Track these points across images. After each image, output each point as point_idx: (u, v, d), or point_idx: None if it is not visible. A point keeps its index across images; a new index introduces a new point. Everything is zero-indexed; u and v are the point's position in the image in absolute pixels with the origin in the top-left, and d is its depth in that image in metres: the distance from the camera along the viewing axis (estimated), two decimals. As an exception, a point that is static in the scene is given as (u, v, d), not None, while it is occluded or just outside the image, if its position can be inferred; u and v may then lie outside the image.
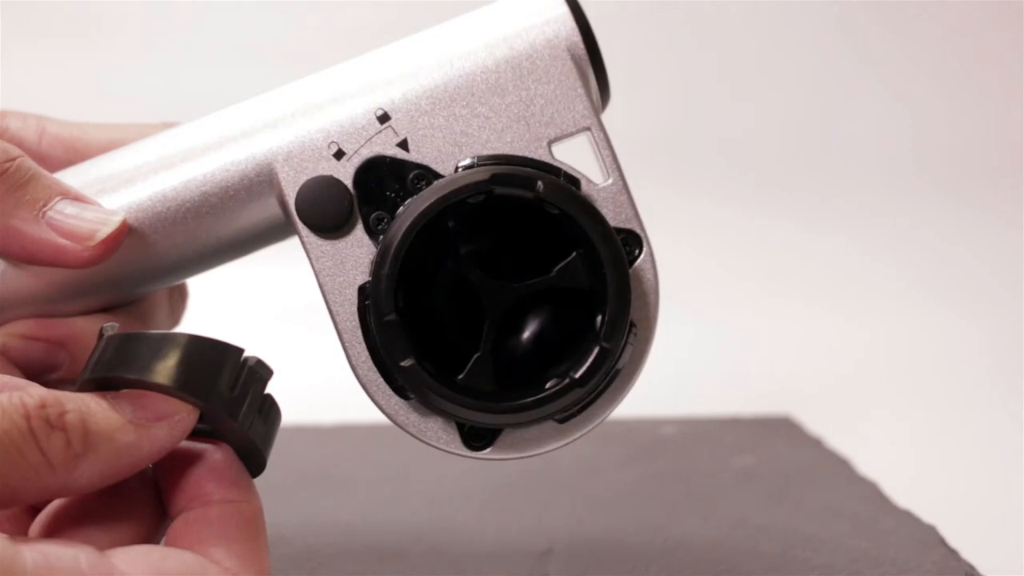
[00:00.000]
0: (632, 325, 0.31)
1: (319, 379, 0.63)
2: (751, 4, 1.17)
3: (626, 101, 1.25)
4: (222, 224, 0.34)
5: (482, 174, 0.31)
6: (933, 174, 1.12)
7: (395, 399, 0.32)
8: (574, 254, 0.31)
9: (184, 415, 0.25)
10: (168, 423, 0.25)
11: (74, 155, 0.36)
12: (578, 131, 0.33)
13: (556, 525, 0.41)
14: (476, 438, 0.32)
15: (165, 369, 0.25)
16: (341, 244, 0.32)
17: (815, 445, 0.55)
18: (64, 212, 0.31)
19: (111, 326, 0.27)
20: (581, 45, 0.34)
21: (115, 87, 1.01)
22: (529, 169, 0.31)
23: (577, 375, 0.30)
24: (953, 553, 0.37)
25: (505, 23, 0.34)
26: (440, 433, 0.32)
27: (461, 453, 0.32)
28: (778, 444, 0.55)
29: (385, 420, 0.33)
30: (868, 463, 0.49)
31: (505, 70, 0.33)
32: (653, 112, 1.16)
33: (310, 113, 0.33)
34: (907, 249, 1.06)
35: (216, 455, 0.27)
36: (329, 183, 0.32)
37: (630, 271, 0.31)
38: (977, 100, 1.17)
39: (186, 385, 0.25)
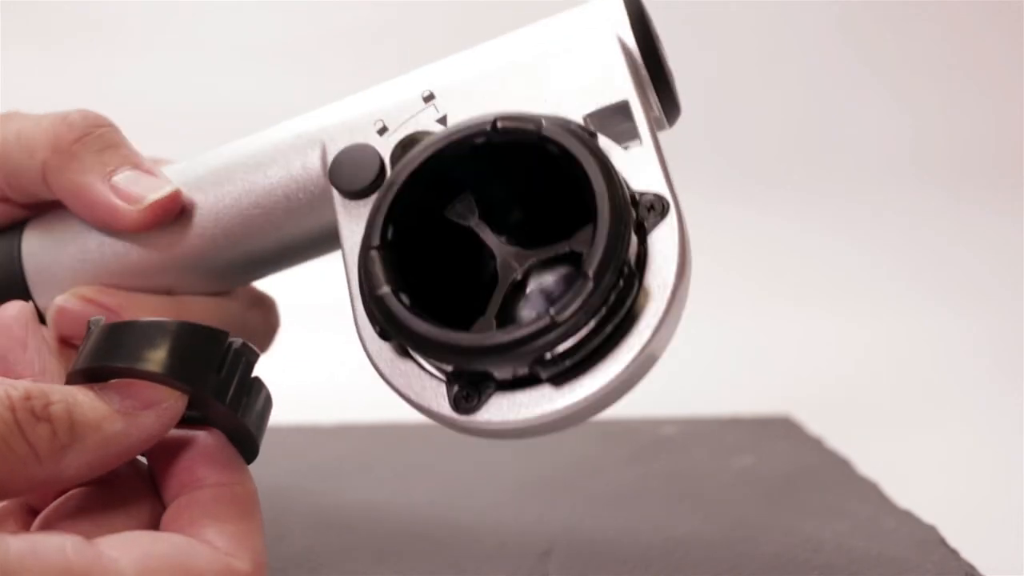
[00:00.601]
0: (635, 275, 0.28)
1: (319, 379, 0.63)
2: (751, 3, 1.17)
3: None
4: (276, 209, 0.35)
5: (488, 118, 0.30)
6: (933, 174, 1.12)
7: (387, 352, 0.30)
8: (591, 224, 0.28)
9: (172, 402, 0.25)
10: (156, 410, 0.25)
11: None
12: (615, 102, 0.31)
13: (556, 525, 0.41)
14: (465, 399, 0.29)
15: (152, 356, 0.25)
16: (364, 206, 0.32)
17: (815, 445, 0.55)
18: (127, 177, 0.33)
19: (97, 319, 0.27)
20: (632, 38, 0.33)
21: (115, 87, 1.01)
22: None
23: (555, 312, 0.27)
24: (953, 553, 0.37)
25: (558, 19, 0.34)
26: (430, 393, 0.30)
27: (451, 416, 0.29)
28: (778, 444, 0.55)
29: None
30: (868, 463, 0.49)
31: (548, 51, 0.33)
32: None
33: (362, 99, 0.35)
34: (908, 249, 1.06)
35: (207, 440, 0.27)
36: (363, 149, 0.33)
37: (650, 234, 0.29)
38: (978, 100, 1.17)
39: (173, 371, 0.25)
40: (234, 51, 1.08)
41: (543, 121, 0.29)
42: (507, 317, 0.29)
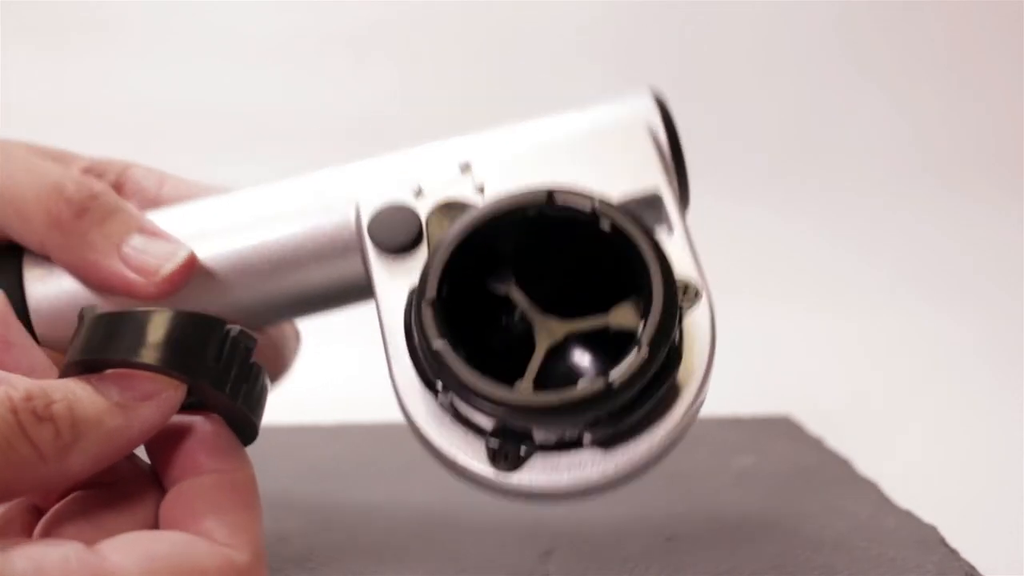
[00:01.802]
0: (679, 351, 0.31)
1: (319, 379, 0.63)
2: (751, 3, 1.17)
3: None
4: (301, 260, 0.35)
5: (543, 190, 0.31)
6: (934, 174, 1.12)
7: (426, 406, 0.31)
8: (631, 297, 0.30)
9: (171, 392, 0.25)
10: (155, 401, 0.25)
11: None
12: (647, 193, 0.34)
13: (556, 525, 0.41)
14: (505, 457, 0.30)
15: (148, 347, 0.25)
16: (403, 261, 0.33)
17: (815, 445, 0.55)
18: (135, 247, 0.32)
19: (91, 307, 0.27)
20: (663, 130, 0.36)
21: (115, 87, 1.01)
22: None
23: (612, 378, 0.28)
24: (953, 553, 0.37)
25: (595, 108, 0.37)
26: (468, 449, 0.31)
27: (488, 474, 0.30)
28: (778, 444, 0.55)
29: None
30: (868, 463, 0.49)
31: (584, 135, 0.35)
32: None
33: (395, 160, 0.36)
34: (908, 249, 1.06)
35: (206, 426, 0.27)
36: (402, 209, 0.34)
37: (686, 317, 0.31)
38: (978, 100, 1.17)
39: (170, 361, 0.25)
40: (234, 51, 1.08)
41: (597, 198, 0.31)
42: (544, 381, 0.30)
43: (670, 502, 0.44)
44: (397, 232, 0.34)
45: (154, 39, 1.07)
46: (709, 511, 0.43)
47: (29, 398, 0.23)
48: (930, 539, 0.39)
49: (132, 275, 0.31)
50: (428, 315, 0.30)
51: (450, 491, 0.47)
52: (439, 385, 0.30)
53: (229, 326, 0.26)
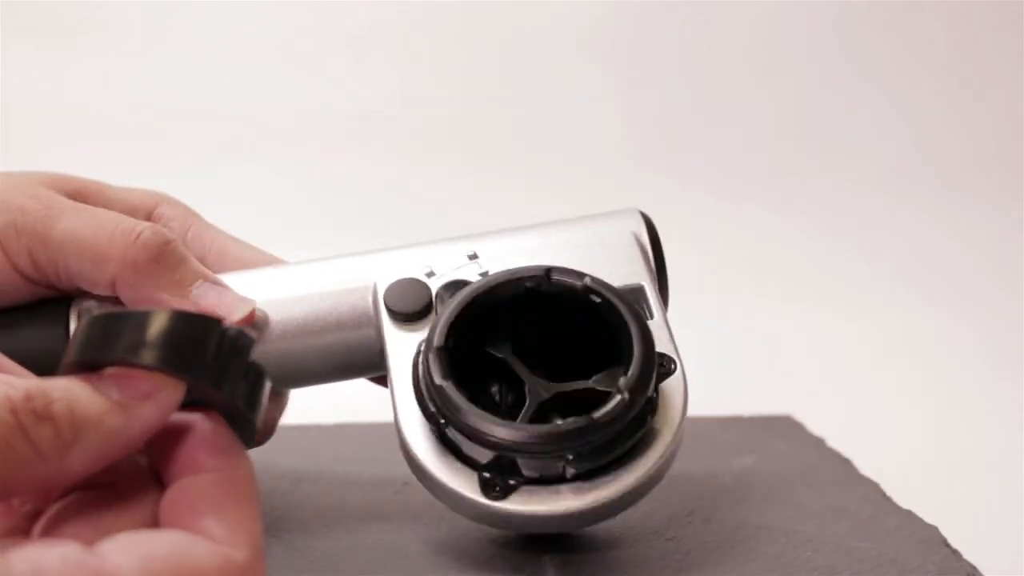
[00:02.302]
0: (654, 404, 0.36)
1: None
2: (751, 4, 1.17)
3: (630, 102, 1.27)
4: (327, 330, 0.40)
5: (542, 266, 0.37)
6: (934, 175, 1.13)
7: (427, 441, 0.36)
8: (614, 367, 0.35)
9: (170, 391, 0.25)
10: (155, 401, 0.25)
11: (208, 258, 0.41)
12: (632, 285, 0.39)
13: (557, 525, 0.41)
14: (495, 487, 0.34)
15: (147, 346, 0.25)
16: (413, 327, 0.39)
17: (817, 445, 0.55)
18: (206, 292, 0.37)
19: (88, 307, 0.27)
20: (648, 240, 0.41)
21: (115, 87, 1.01)
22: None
23: (596, 415, 0.33)
24: (955, 554, 0.37)
25: (591, 219, 0.43)
26: (462, 478, 0.35)
27: (479, 501, 0.34)
28: (779, 444, 0.55)
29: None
30: (870, 463, 0.49)
31: (580, 238, 0.41)
32: (656, 113, 1.16)
33: (411, 251, 0.41)
34: (908, 249, 1.06)
35: (205, 424, 0.27)
36: (414, 283, 0.39)
37: (664, 382, 0.36)
38: (978, 100, 1.17)
39: (169, 360, 0.25)
40: (234, 51, 1.08)
41: (589, 277, 0.37)
42: None
43: (671, 502, 0.44)
44: (409, 301, 0.39)
45: (154, 39, 1.07)
46: (710, 511, 0.43)
47: (29, 398, 0.23)
48: (931, 539, 0.39)
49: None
50: (435, 359, 0.35)
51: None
52: (441, 420, 0.35)
53: (227, 325, 0.26)
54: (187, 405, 0.27)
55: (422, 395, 0.35)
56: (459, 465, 0.35)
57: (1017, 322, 0.87)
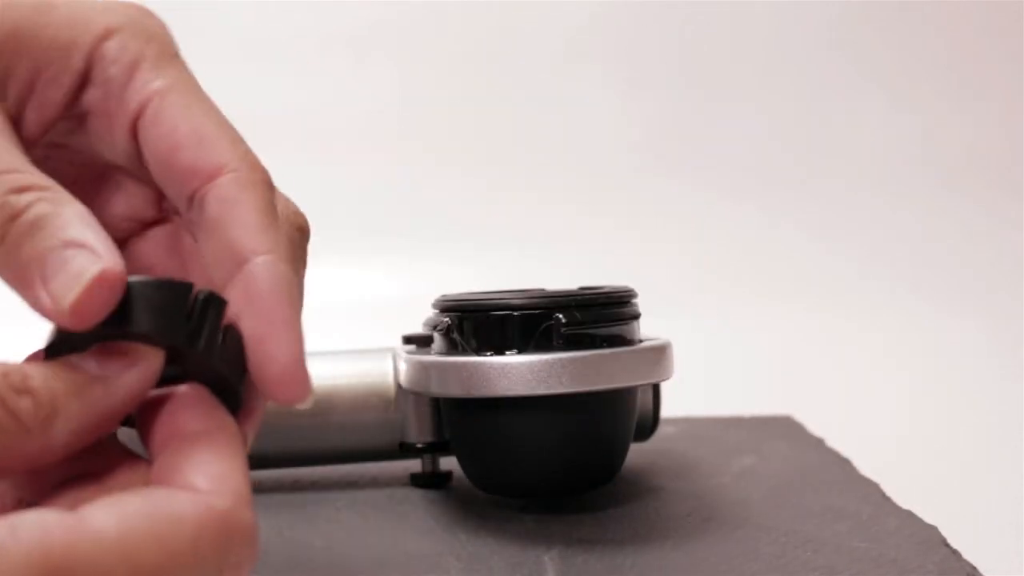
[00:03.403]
0: None
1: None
2: (751, 4, 1.17)
3: (631, 103, 1.27)
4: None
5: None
6: (934, 176, 1.13)
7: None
8: None
9: (149, 359, 0.25)
10: (134, 370, 0.25)
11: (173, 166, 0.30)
12: None
13: (556, 526, 0.41)
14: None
15: (120, 318, 0.25)
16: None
17: (817, 445, 0.55)
18: (53, 268, 0.26)
19: None
20: None
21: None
22: None
23: None
24: (955, 554, 0.37)
25: None
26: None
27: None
28: (779, 444, 0.55)
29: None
30: (870, 463, 0.49)
31: None
32: (657, 114, 1.16)
33: None
34: (908, 250, 1.06)
35: (188, 392, 0.27)
36: None
37: None
38: (979, 101, 1.17)
39: (143, 329, 0.25)
40: (234, 52, 1.08)
41: None
42: None
43: (671, 503, 0.44)
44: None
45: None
46: (710, 511, 0.43)
47: (5, 375, 0.23)
48: (931, 540, 0.39)
49: (48, 305, 0.25)
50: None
51: (450, 490, 0.47)
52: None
53: (198, 289, 0.26)
54: (169, 380, 0.27)
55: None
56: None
57: (1017, 322, 0.87)
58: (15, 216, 0.26)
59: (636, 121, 1.15)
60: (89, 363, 0.25)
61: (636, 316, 0.43)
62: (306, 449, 0.47)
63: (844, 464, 0.50)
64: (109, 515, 0.22)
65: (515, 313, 0.40)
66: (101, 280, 0.25)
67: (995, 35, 1.16)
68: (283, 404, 0.27)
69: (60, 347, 0.26)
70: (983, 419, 0.65)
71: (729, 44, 1.17)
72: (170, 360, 0.26)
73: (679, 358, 0.42)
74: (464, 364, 0.40)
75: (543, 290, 0.42)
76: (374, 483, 0.49)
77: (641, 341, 0.42)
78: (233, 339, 0.27)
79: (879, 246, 1.06)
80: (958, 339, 0.85)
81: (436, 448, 0.48)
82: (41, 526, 0.21)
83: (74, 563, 0.21)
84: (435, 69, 1.13)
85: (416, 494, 0.47)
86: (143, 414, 0.27)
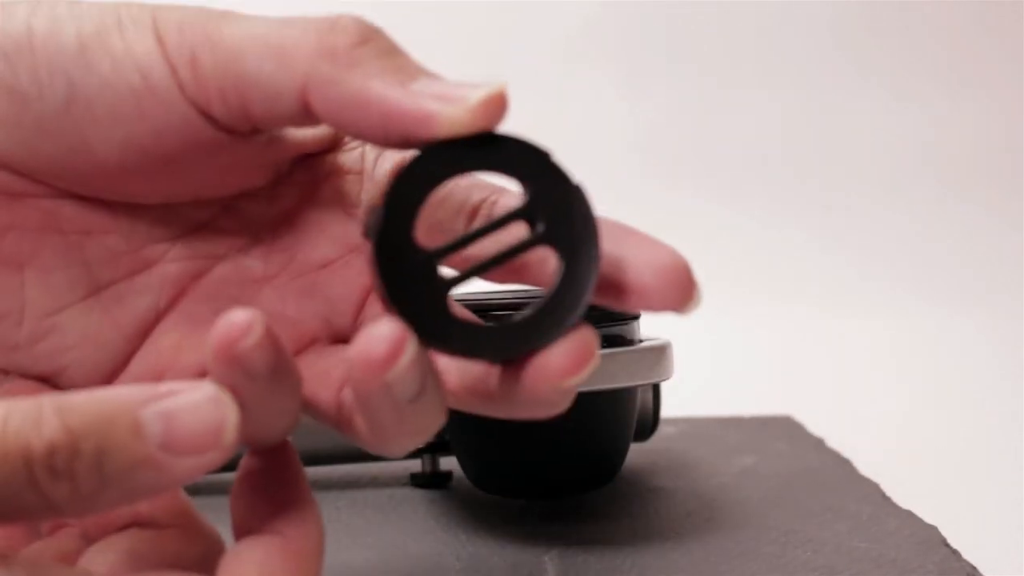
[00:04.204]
0: None
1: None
2: (751, 4, 1.17)
3: (631, 103, 1.27)
4: None
5: None
6: (934, 175, 1.12)
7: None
8: None
9: (215, 454, 0.21)
10: (195, 458, 0.21)
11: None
12: None
13: (556, 527, 0.41)
14: None
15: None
16: None
17: (816, 445, 0.55)
18: (426, 83, 0.25)
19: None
20: None
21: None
22: None
23: None
24: (955, 554, 0.37)
25: None
26: None
27: None
28: (779, 444, 0.55)
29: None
30: (869, 463, 0.49)
31: None
32: (657, 114, 1.16)
33: None
34: (908, 250, 1.06)
35: (283, 473, 0.25)
36: None
37: None
38: (979, 100, 1.17)
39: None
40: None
41: None
42: None
43: (670, 502, 0.44)
44: None
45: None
46: (710, 511, 0.43)
47: (52, 452, 0.20)
48: (931, 539, 0.39)
49: (432, 104, 0.24)
50: None
51: (450, 490, 0.47)
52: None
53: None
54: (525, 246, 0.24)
55: None
56: None
57: (1017, 322, 0.87)
58: (376, 31, 0.26)
59: (635, 121, 1.15)
60: (155, 425, 0.21)
61: (636, 316, 0.43)
62: (306, 449, 0.47)
63: (844, 464, 0.50)
64: None
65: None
66: (505, 94, 0.25)
67: (997, 34, 1.17)
68: (668, 308, 0.25)
69: (427, 164, 0.23)
70: (983, 419, 0.65)
71: (729, 43, 1.17)
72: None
73: (679, 358, 0.42)
74: None
75: (543, 290, 0.42)
76: (374, 483, 0.49)
77: (641, 341, 0.42)
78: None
79: (879, 246, 1.06)
80: (958, 339, 0.85)
81: (436, 448, 0.48)
82: None
83: None
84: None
85: (416, 494, 0.47)
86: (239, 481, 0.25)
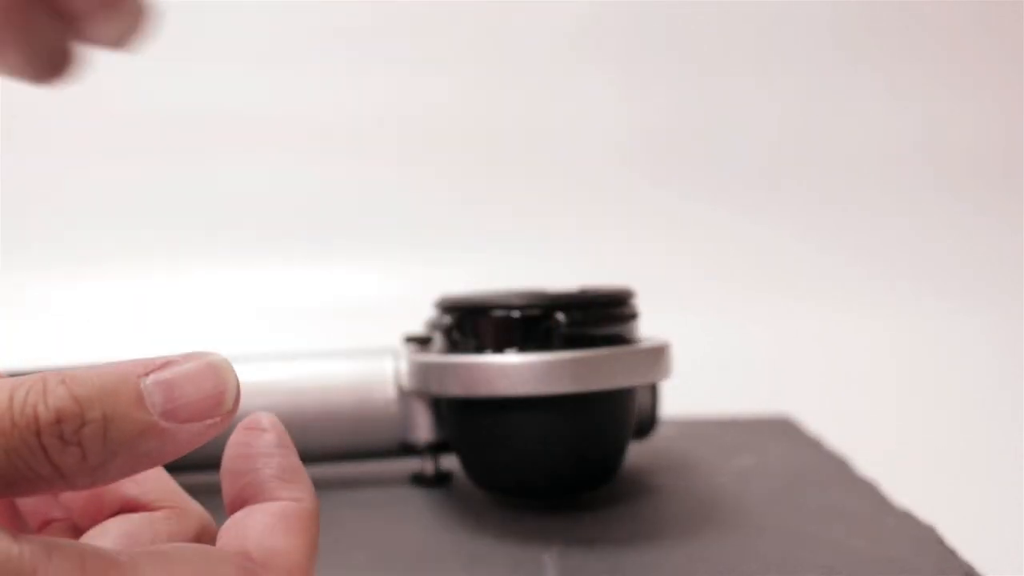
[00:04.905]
0: None
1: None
2: (750, 3, 1.17)
3: (630, 103, 1.26)
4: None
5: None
6: (934, 174, 1.13)
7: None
8: None
9: (218, 421, 0.23)
10: (198, 426, 0.22)
11: None
12: None
13: (556, 526, 0.41)
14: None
15: None
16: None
17: (814, 445, 0.55)
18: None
19: None
20: None
21: (114, 88, 1.01)
22: None
23: None
24: (952, 552, 0.38)
25: None
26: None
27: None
28: (777, 444, 0.55)
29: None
30: (867, 463, 0.50)
31: None
32: (656, 113, 1.16)
33: None
34: (907, 250, 1.06)
35: (273, 445, 0.26)
36: None
37: None
38: (979, 100, 1.17)
39: None
40: (233, 53, 1.08)
41: None
42: None
43: (670, 503, 0.45)
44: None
45: (154, 41, 1.07)
46: (709, 511, 0.43)
47: (59, 420, 0.21)
48: (928, 539, 0.39)
49: None
50: None
51: (451, 492, 0.47)
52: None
53: None
54: None
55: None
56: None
57: (1016, 322, 0.88)
58: None
59: (634, 121, 1.15)
60: (155, 398, 0.22)
61: (635, 316, 0.43)
62: (306, 448, 0.47)
63: (842, 464, 0.51)
64: (147, 561, 0.21)
65: (516, 313, 0.40)
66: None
67: (997, 34, 1.17)
68: None
69: None
70: (980, 419, 0.65)
71: (728, 43, 1.17)
72: None
73: (678, 358, 0.43)
74: (464, 364, 0.40)
75: (543, 290, 0.42)
76: (374, 483, 0.49)
77: (640, 341, 0.42)
78: None
79: (878, 246, 1.06)
80: (957, 339, 0.85)
81: (436, 448, 0.48)
82: (78, 556, 0.21)
83: None
84: (435, 69, 1.13)
85: (416, 494, 0.47)
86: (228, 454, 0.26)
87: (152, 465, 0.23)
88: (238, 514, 0.25)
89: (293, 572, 0.24)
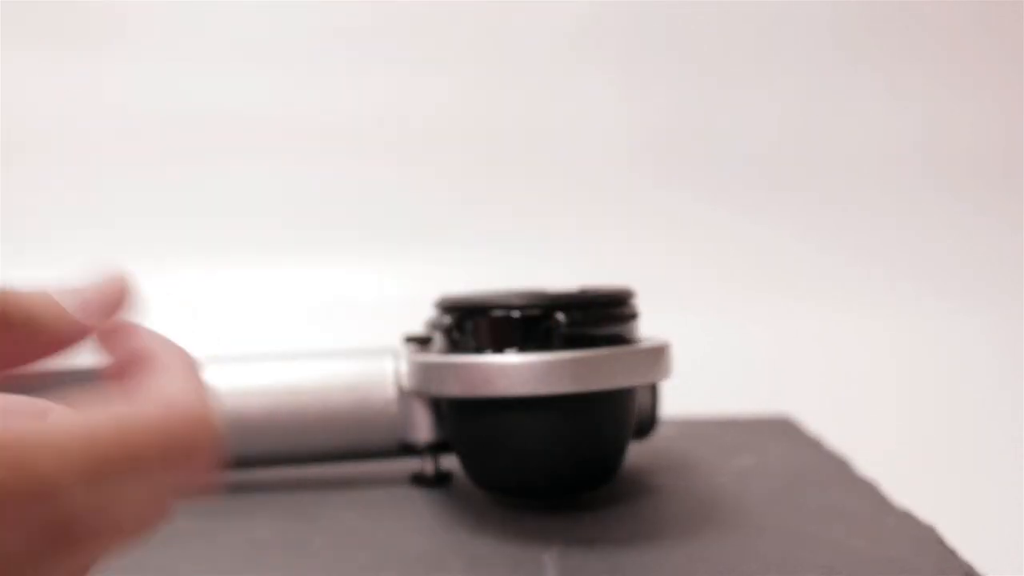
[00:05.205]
0: None
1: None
2: (754, 6, 1.17)
3: (630, 103, 1.26)
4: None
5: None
6: (933, 174, 1.13)
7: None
8: None
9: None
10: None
11: None
12: None
13: (556, 526, 0.41)
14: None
15: None
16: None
17: (814, 445, 0.55)
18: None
19: None
20: None
21: (114, 88, 1.01)
22: None
23: None
24: (951, 552, 0.38)
25: None
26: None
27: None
28: (777, 444, 0.55)
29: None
30: (867, 463, 0.50)
31: None
32: (656, 112, 1.16)
33: None
34: (908, 249, 1.06)
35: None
36: None
37: None
38: (979, 99, 1.17)
39: None
40: (234, 53, 1.08)
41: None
42: None
43: (670, 503, 0.45)
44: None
45: (154, 41, 1.07)
46: (709, 511, 0.43)
47: None
48: (928, 538, 0.39)
49: None
50: None
51: (451, 492, 0.47)
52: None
53: None
54: None
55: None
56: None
57: (1016, 322, 0.88)
58: None
59: (634, 121, 1.15)
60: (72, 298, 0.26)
61: (635, 316, 0.43)
62: (307, 448, 0.47)
63: (842, 464, 0.51)
64: (72, 414, 0.22)
65: (515, 313, 0.40)
66: None
67: (997, 34, 1.17)
68: None
69: None
70: (980, 419, 0.65)
71: (728, 43, 1.17)
72: None
73: (678, 358, 0.43)
74: (464, 364, 0.40)
75: (543, 290, 0.42)
76: (374, 483, 0.49)
77: (640, 341, 0.42)
78: None
79: (878, 247, 1.06)
80: (957, 339, 0.85)
81: (436, 448, 0.48)
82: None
83: (37, 446, 0.20)
84: (435, 69, 1.13)
85: (416, 494, 0.47)
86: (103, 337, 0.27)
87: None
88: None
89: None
